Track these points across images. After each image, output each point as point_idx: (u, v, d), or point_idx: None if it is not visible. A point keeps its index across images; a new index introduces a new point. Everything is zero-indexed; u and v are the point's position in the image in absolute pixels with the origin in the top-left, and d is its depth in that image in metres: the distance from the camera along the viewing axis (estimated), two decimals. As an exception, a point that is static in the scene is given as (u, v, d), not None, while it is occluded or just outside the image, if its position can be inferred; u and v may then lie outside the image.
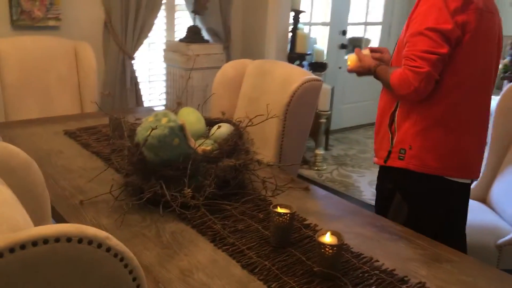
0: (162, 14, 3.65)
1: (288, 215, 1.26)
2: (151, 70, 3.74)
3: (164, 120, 1.42)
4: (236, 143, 1.55)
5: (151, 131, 1.38)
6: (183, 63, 3.38)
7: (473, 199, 2.43)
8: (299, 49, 3.86)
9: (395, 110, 1.64)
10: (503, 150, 2.35)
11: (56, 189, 1.57)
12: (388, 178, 1.69)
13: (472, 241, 2.06)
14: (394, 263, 1.24)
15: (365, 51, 1.77)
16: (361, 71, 1.72)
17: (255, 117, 1.64)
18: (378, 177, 1.77)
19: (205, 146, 1.51)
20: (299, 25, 3.96)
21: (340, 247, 1.14)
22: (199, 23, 3.62)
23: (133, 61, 3.45)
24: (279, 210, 1.27)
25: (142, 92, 3.56)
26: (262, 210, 1.46)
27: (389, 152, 1.65)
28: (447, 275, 1.21)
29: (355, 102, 5.01)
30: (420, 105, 1.55)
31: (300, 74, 2.11)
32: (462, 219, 1.74)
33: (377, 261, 1.24)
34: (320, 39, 4.65)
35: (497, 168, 2.37)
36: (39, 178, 1.13)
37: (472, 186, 2.45)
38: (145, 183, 1.44)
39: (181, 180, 1.42)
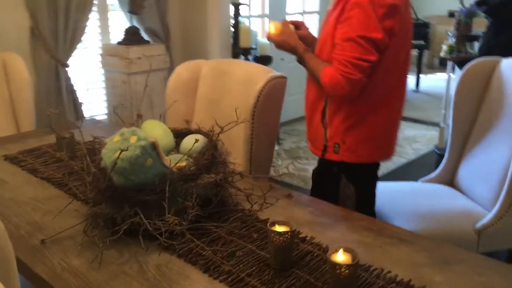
0: (94, 16, 3.38)
1: (289, 233, 1.14)
2: (87, 78, 3.47)
3: (133, 139, 1.25)
4: (214, 156, 1.40)
5: (120, 153, 1.20)
6: (124, 68, 3.15)
7: (440, 183, 2.43)
8: (243, 43, 3.73)
9: (325, 107, 1.72)
10: (465, 134, 2.36)
11: (9, 228, 1.35)
12: (331, 164, 1.77)
13: (449, 227, 2.05)
14: (406, 271, 1.15)
15: (291, 27, 1.79)
16: (284, 46, 1.75)
17: (228, 124, 1.50)
18: (320, 163, 1.86)
19: (180, 162, 1.35)
20: (240, 19, 3.83)
21: (356, 266, 1.03)
22: (136, 24, 3.39)
23: (67, 69, 3.17)
24: (278, 228, 1.15)
25: (80, 102, 3.29)
26: (251, 226, 1.33)
27: (325, 146, 1.76)
28: (463, 278, 1.14)
29: (300, 93, 4.94)
30: (348, 103, 1.66)
31: (262, 72, 1.99)
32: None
33: (389, 272, 1.15)
34: (260, 32, 4.54)
35: (462, 152, 2.38)
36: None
37: (439, 170, 2.46)
38: (118, 212, 1.26)
39: (159, 205, 1.25)
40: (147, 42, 3.34)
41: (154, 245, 1.24)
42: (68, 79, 3.19)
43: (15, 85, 2.44)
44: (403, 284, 1.10)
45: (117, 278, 1.14)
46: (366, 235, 1.33)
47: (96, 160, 1.30)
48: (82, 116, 3.26)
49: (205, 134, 1.50)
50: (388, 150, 1.81)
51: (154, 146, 1.25)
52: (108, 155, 1.24)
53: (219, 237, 1.28)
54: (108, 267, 1.18)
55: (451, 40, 3.39)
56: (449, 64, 3.68)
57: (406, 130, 4.92)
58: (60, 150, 1.85)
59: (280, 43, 1.73)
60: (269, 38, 1.77)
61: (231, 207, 1.41)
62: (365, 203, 1.79)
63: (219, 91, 2.11)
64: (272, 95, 1.90)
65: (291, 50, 1.73)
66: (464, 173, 2.31)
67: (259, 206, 1.37)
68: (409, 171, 3.86)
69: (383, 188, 2.35)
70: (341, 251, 1.05)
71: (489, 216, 1.99)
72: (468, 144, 2.34)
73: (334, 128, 1.70)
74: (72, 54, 3.20)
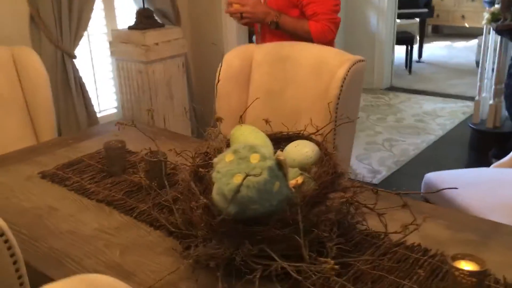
0: (97, -2, 3.00)
1: (482, 273, 0.88)
2: (94, 68, 3.11)
3: (254, 158, 0.96)
4: (334, 167, 1.12)
5: (245, 178, 0.91)
6: (140, 56, 2.80)
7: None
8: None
9: None
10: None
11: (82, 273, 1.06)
12: None
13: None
14: None
15: None
16: (256, 16, 2.00)
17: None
18: None
19: (295, 180, 1.07)
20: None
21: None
22: (146, 5, 3.03)
23: (74, 60, 2.81)
24: (466, 265, 0.89)
25: (90, 96, 2.95)
26: (403, 259, 1.06)
27: None
28: None
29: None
30: None
31: (336, 56, 1.70)
32: None
33: None
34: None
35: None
36: None
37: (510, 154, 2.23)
38: (236, 252, 0.98)
39: (286, 239, 0.98)
40: (161, 25, 2.99)
41: (288, 290, 0.97)
42: (76, 71, 2.83)
43: (30, 84, 2.08)
44: None
45: None
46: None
47: (204, 186, 1.01)
48: (92, 111, 2.92)
49: (310, 139, 1.22)
50: None
51: (281, 165, 0.97)
52: (224, 180, 0.95)
53: (363, 274, 1.01)
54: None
55: (488, 7, 3.15)
56: (485, 31, 3.43)
57: (424, 105, 4.70)
58: (111, 164, 1.54)
59: (254, 14, 1.99)
60: (237, 12, 2.01)
61: (364, 232, 1.14)
62: None
63: (282, 80, 1.82)
64: (355, 82, 1.62)
65: (263, 18, 1.99)
66: None
67: (402, 228, 1.10)
68: (442, 149, 3.64)
69: (450, 177, 2.13)
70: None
71: None
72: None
73: None
74: (79, 43, 2.84)
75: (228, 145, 1.24)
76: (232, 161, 0.97)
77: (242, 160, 0.97)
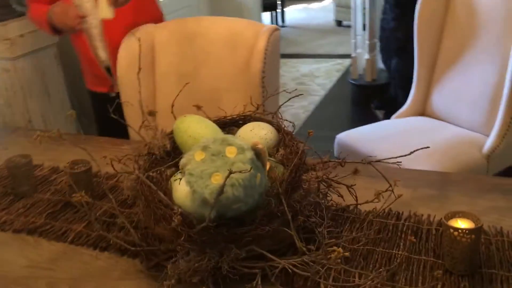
0: None
1: (479, 229, 0.88)
2: None
3: (230, 152, 0.84)
4: (298, 148, 1.04)
5: (228, 176, 0.79)
6: (3, 52, 2.41)
7: (412, 115, 2.35)
8: None
9: None
10: (432, 59, 2.27)
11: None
12: None
13: (459, 159, 1.97)
14: None
15: None
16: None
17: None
18: None
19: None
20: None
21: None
22: (-3, -8, 2.60)
23: None
24: (462, 223, 0.88)
25: None
26: (384, 229, 1.03)
27: None
28: None
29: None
30: None
31: (251, 27, 1.61)
32: None
33: None
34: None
35: (431, 79, 2.30)
36: None
37: (409, 102, 2.36)
38: (221, 260, 0.87)
39: (275, 234, 0.89)
40: (22, 13, 2.59)
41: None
42: None
43: None
44: None
45: None
46: (493, 197, 1.13)
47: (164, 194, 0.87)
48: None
49: (267, 122, 1.12)
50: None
51: (260, 154, 0.86)
52: (201, 183, 0.82)
53: (352, 252, 0.96)
54: None
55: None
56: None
57: (300, 68, 4.83)
58: (18, 184, 1.29)
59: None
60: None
61: (337, 207, 1.09)
62: None
63: (192, 60, 1.67)
64: (275, 53, 1.55)
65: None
66: (440, 100, 2.25)
67: (376, 195, 1.06)
68: (329, 107, 3.78)
69: (360, 135, 2.20)
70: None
71: (492, 138, 1.95)
72: (437, 70, 2.27)
73: None
74: None
75: (173, 141, 1.10)
76: (204, 159, 0.85)
77: (216, 157, 0.84)
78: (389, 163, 1.02)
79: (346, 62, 4.86)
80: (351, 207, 1.09)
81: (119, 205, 1.07)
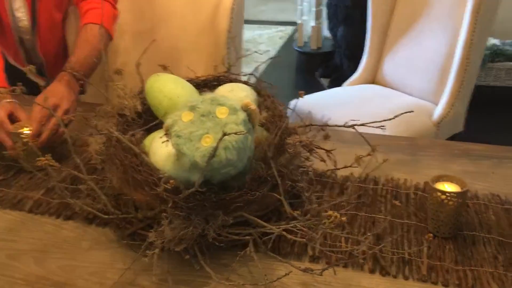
0: None
1: (465, 192, 0.89)
2: None
3: (222, 112, 0.78)
4: (277, 110, 1.00)
5: (222, 137, 0.74)
6: None
7: (363, 83, 2.37)
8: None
9: None
10: (384, 27, 2.29)
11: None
12: None
13: (410, 126, 2.01)
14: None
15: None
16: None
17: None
18: None
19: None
20: None
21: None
22: None
23: None
24: (448, 187, 0.89)
25: None
26: (364, 193, 1.02)
27: None
28: None
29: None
30: None
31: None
32: None
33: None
34: None
35: (381, 48, 2.32)
36: None
37: (360, 70, 2.38)
38: (207, 227, 0.82)
39: (262, 200, 0.85)
40: None
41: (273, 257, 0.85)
42: None
43: None
44: None
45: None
46: (456, 161, 1.16)
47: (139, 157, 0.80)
48: None
49: (240, 82, 1.07)
50: None
51: (249, 115, 0.81)
52: (190, 146, 0.76)
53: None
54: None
55: None
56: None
57: (243, 34, 4.74)
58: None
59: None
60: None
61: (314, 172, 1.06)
62: None
63: (149, 19, 1.56)
64: (241, 11, 1.48)
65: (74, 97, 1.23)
66: (391, 68, 2.28)
67: (356, 159, 1.04)
68: (275, 75, 3.75)
69: (314, 102, 2.20)
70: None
71: (441, 106, 2.01)
72: (389, 38, 2.29)
73: None
74: None
75: (144, 102, 1.02)
76: (193, 120, 0.78)
77: (206, 117, 0.78)
78: (372, 127, 1.01)
79: (289, 29, 4.84)
80: (328, 172, 1.08)
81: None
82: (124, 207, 0.91)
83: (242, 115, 0.78)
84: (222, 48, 1.41)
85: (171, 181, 0.76)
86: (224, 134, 0.74)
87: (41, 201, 1.02)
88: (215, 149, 0.74)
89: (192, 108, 0.79)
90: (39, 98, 1.10)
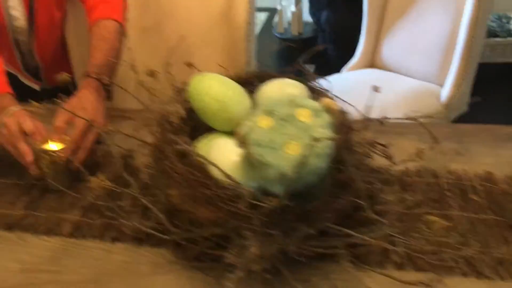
0: None
1: None
2: None
3: (303, 115, 0.71)
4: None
5: (313, 143, 0.66)
6: None
7: (362, 67, 2.33)
8: None
9: None
10: (381, 9, 2.24)
11: None
12: None
13: (420, 109, 1.97)
14: None
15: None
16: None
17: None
18: None
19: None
20: None
21: None
22: None
23: None
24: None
25: None
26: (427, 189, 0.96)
27: None
28: None
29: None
30: None
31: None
32: None
33: None
34: None
35: (379, 31, 2.28)
36: None
37: (358, 54, 2.32)
38: (287, 242, 0.75)
39: (339, 210, 0.78)
40: None
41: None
42: None
43: None
44: None
45: None
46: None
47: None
48: None
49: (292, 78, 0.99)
50: None
51: (332, 117, 0.74)
52: (275, 155, 0.68)
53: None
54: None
55: None
56: None
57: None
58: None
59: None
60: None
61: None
62: None
63: (155, 14, 1.45)
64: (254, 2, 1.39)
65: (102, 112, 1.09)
66: (390, 51, 2.24)
67: (418, 152, 0.98)
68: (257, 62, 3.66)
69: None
70: None
71: (448, 87, 1.99)
72: (386, 20, 2.25)
73: None
74: None
75: (189, 107, 0.93)
76: (272, 126, 0.70)
77: (286, 122, 0.70)
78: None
79: (262, 15, 4.74)
80: (385, 168, 1.01)
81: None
82: (184, 225, 0.82)
83: (326, 117, 0.71)
84: (240, 41, 1.32)
85: (255, 195, 0.68)
86: (315, 140, 0.66)
87: (80, 223, 0.92)
88: (306, 157, 0.67)
89: (269, 112, 0.71)
90: (68, 108, 0.99)
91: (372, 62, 2.31)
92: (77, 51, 1.45)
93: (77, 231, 0.90)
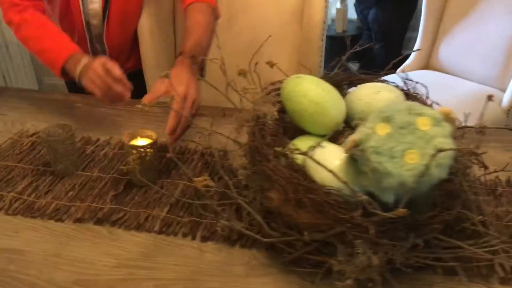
0: None
1: None
2: None
3: (424, 124, 0.69)
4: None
5: (436, 153, 0.65)
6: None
7: (417, 68, 2.29)
8: None
9: None
10: (440, 10, 2.20)
11: None
12: None
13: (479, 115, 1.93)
14: None
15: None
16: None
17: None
18: None
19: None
20: None
21: None
22: None
23: None
24: None
25: None
26: None
27: None
28: None
29: None
30: None
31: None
32: None
33: None
34: None
35: (436, 32, 2.23)
36: None
37: (413, 55, 2.28)
38: (395, 252, 0.73)
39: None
40: None
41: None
42: None
43: None
44: None
45: None
46: None
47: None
48: None
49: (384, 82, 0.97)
50: None
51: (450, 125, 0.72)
52: (396, 163, 0.67)
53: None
54: None
55: None
56: None
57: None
58: (57, 160, 1.04)
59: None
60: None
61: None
62: None
63: (227, 10, 1.44)
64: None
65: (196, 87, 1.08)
66: (447, 53, 2.20)
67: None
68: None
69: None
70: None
71: (510, 93, 1.94)
72: (445, 21, 2.20)
73: None
74: None
75: (281, 108, 0.92)
76: (391, 133, 0.69)
77: (405, 130, 0.69)
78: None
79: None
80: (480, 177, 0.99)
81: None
82: (281, 228, 0.81)
83: (448, 127, 0.69)
84: (315, 40, 1.31)
85: (372, 203, 0.67)
86: (439, 151, 0.64)
87: (169, 220, 0.92)
88: (428, 167, 0.65)
89: (387, 119, 0.69)
90: (162, 81, 1.01)
91: (428, 63, 2.27)
92: (149, 46, 1.45)
93: (167, 228, 0.90)
